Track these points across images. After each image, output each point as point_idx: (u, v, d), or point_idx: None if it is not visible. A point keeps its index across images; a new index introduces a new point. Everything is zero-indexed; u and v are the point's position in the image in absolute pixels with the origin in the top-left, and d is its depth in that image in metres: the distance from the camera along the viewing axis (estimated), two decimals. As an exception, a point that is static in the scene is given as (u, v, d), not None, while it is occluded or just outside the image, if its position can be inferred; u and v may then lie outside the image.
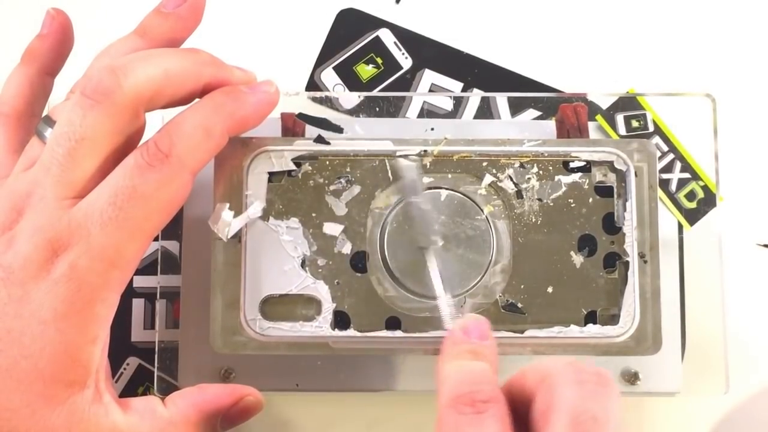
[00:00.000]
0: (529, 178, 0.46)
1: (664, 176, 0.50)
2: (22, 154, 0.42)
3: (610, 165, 0.46)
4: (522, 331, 0.45)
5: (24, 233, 0.39)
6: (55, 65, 0.46)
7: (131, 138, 0.41)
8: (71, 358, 0.38)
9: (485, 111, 0.55)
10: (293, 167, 0.46)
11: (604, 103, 0.52)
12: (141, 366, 0.55)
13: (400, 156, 0.46)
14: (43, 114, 0.43)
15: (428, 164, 0.46)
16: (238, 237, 0.45)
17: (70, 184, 0.39)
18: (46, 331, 0.38)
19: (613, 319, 0.45)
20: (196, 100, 0.42)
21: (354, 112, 0.53)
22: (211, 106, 0.41)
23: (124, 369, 0.55)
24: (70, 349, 0.38)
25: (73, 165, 0.39)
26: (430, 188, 0.46)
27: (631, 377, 0.48)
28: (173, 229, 0.49)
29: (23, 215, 0.39)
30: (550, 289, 0.45)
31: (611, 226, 0.46)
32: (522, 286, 0.45)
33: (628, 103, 0.52)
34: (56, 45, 0.46)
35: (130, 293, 0.54)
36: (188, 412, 0.42)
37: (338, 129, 0.50)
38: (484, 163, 0.46)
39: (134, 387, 0.55)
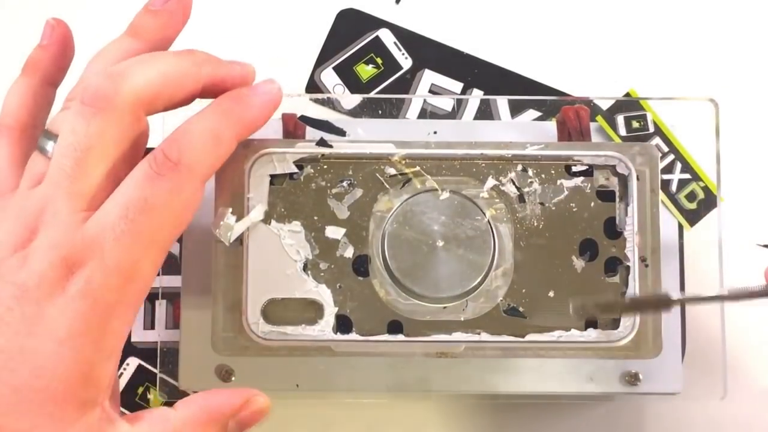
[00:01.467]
0: (531, 182, 0.46)
1: (665, 177, 0.51)
2: (26, 170, 0.41)
3: (612, 169, 0.46)
4: (523, 336, 0.45)
5: (38, 251, 0.38)
6: (58, 76, 0.45)
7: (136, 143, 0.40)
8: (85, 377, 0.38)
9: (486, 111, 0.55)
10: (295, 170, 0.46)
11: (605, 104, 0.52)
12: (141, 366, 0.55)
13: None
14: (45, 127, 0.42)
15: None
16: (239, 240, 0.45)
17: (82, 195, 0.39)
18: (60, 350, 0.37)
19: (614, 324, 0.45)
20: (197, 100, 0.42)
21: (355, 112, 0.53)
22: (219, 111, 0.41)
23: (124, 369, 0.55)
24: (85, 367, 0.37)
25: (82, 176, 0.39)
26: (430, 190, 0.46)
27: (632, 378, 0.48)
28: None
29: (37, 233, 0.39)
30: (551, 294, 0.45)
31: (613, 230, 0.46)
32: (523, 290, 0.46)
33: (628, 103, 0.52)
34: (58, 55, 0.45)
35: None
36: (198, 416, 0.41)
37: (340, 131, 0.49)
38: (484, 165, 0.46)
39: (134, 387, 0.55)
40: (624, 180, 0.46)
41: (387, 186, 0.46)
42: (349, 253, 0.46)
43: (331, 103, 0.53)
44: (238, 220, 0.45)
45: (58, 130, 0.40)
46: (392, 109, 0.53)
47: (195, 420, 0.41)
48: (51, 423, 0.37)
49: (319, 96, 0.53)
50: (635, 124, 0.52)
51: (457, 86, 0.57)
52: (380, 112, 0.53)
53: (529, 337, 0.45)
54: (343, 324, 0.45)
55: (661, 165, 0.50)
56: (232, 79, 0.43)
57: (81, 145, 0.39)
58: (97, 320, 0.37)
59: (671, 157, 0.51)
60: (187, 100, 0.42)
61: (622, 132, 0.51)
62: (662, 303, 0.44)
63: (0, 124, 0.44)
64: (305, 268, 0.46)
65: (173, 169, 0.39)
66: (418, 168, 0.46)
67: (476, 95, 0.57)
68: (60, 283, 0.37)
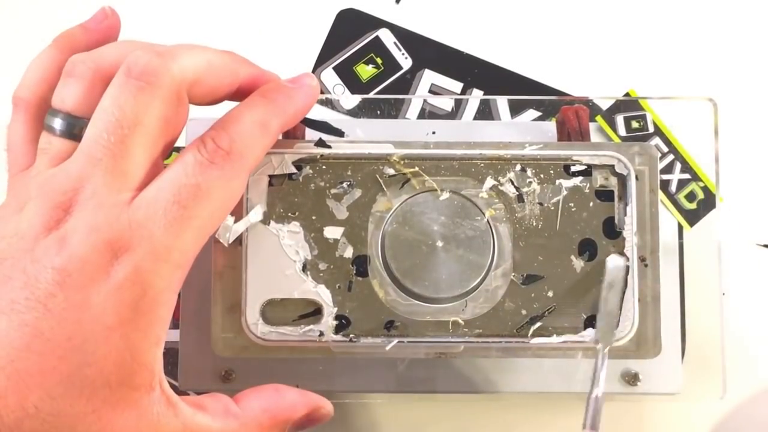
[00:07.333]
0: (530, 182, 0.46)
1: (664, 177, 0.51)
2: (39, 149, 0.39)
3: (611, 169, 0.46)
4: (522, 335, 0.45)
5: (77, 233, 0.36)
6: None
7: (176, 126, 0.39)
8: (137, 363, 0.37)
9: (485, 111, 0.55)
10: (294, 170, 0.46)
11: (604, 104, 0.52)
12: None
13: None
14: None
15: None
16: (238, 241, 0.45)
17: (124, 175, 0.37)
18: (110, 338, 0.36)
19: (613, 324, 0.45)
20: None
21: (354, 112, 0.53)
22: (265, 102, 0.41)
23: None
24: (136, 353, 0.37)
25: (126, 154, 0.37)
26: (430, 190, 0.46)
27: (632, 378, 0.48)
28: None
29: (71, 213, 0.37)
30: (550, 294, 0.45)
31: (611, 230, 0.46)
32: (522, 290, 0.46)
33: (628, 104, 0.52)
34: (99, 43, 0.43)
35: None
36: (262, 417, 0.41)
37: (339, 132, 0.50)
38: (482, 165, 0.46)
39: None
40: (623, 180, 0.46)
41: (385, 187, 0.46)
42: (348, 253, 0.46)
43: (330, 103, 0.53)
44: (236, 220, 0.45)
45: (66, 107, 0.39)
46: (391, 110, 0.53)
47: (258, 423, 0.41)
48: (107, 406, 0.36)
49: (319, 96, 0.53)
50: (635, 125, 0.52)
51: (457, 86, 0.57)
52: (378, 112, 0.53)
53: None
54: (342, 324, 0.45)
55: (661, 165, 0.50)
56: (266, 82, 0.42)
57: (127, 121, 0.37)
58: (146, 307, 0.36)
59: (671, 157, 0.51)
60: (223, 95, 0.41)
61: (622, 132, 0.51)
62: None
63: (16, 96, 0.42)
64: (304, 269, 0.46)
65: (225, 157, 0.38)
66: (416, 168, 0.46)
67: (476, 95, 0.57)
68: (104, 267, 0.36)
